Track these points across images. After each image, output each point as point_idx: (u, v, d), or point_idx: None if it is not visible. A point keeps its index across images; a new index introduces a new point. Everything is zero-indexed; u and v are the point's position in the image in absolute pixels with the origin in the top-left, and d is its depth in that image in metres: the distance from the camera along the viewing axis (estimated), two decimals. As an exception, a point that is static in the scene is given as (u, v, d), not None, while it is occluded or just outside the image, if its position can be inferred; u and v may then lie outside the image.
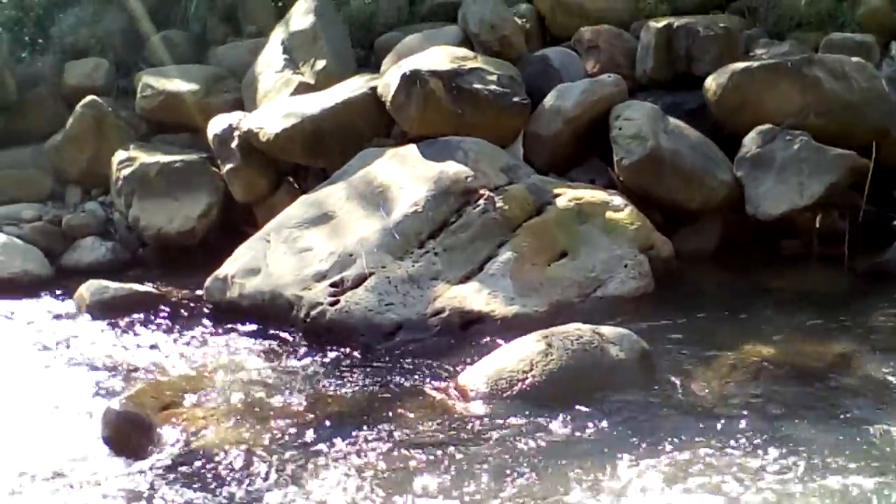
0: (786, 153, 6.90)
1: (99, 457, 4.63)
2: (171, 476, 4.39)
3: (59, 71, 9.39)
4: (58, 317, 6.84)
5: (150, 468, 4.47)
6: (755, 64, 7.34)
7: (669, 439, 4.46)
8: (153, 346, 6.15)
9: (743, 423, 4.60)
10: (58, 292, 7.34)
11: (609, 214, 6.64)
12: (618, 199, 6.74)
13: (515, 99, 7.43)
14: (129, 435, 4.74)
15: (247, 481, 4.30)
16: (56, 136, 8.93)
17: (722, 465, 4.22)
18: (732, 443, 4.40)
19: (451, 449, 4.50)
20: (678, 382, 5.12)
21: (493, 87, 7.39)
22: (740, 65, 7.32)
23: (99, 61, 9.32)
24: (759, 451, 4.30)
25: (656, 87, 7.77)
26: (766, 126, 7.06)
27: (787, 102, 7.14)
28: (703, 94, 7.39)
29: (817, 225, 6.93)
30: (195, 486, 4.29)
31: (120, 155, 8.45)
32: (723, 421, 4.64)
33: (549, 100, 7.49)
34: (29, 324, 6.73)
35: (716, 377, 5.19)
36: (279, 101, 8.11)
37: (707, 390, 5.03)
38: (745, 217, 6.98)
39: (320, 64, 8.33)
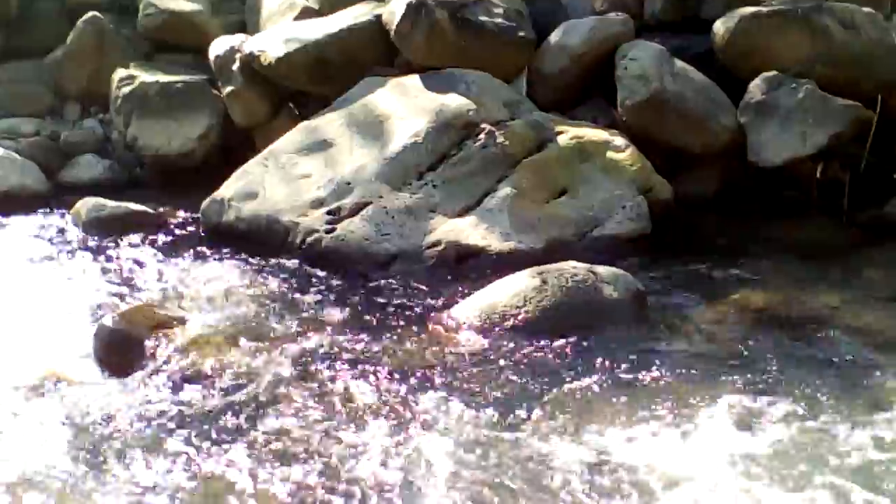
0: (790, 101, 6.84)
1: (89, 372, 4.66)
2: (159, 394, 4.43)
3: (61, -15, 9.28)
4: (54, 233, 6.84)
5: (140, 385, 4.51)
6: (764, 9, 7.23)
7: (656, 379, 4.50)
8: (147, 266, 6.16)
9: (731, 367, 4.63)
10: (54, 208, 7.32)
11: (610, 154, 6.60)
12: (619, 140, 6.69)
13: (521, 34, 7.36)
14: (119, 352, 4.78)
15: (234, 404, 4.32)
16: (56, 51, 8.85)
17: (705, 406, 4.24)
18: (719, 385, 4.43)
19: (441, 378, 4.54)
20: (670, 325, 5.15)
21: (499, 20, 7.31)
22: (749, 10, 7.21)
23: (102, -23, 9.21)
24: (747, 395, 4.32)
25: (664, 28, 7.66)
26: (772, 73, 6.99)
27: (794, 50, 7.05)
28: (711, 38, 7.29)
29: (818, 175, 6.89)
30: (182, 404, 4.33)
31: (120, 73, 8.36)
32: (711, 364, 4.67)
33: (554, 36, 7.41)
34: (25, 239, 6.72)
35: (708, 321, 5.21)
36: (283, 25, 8.02)
37: (698, 333, 5.05)
38: (747, 164, 6.93)
39: (326, -11, 8.23)
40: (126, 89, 8.23)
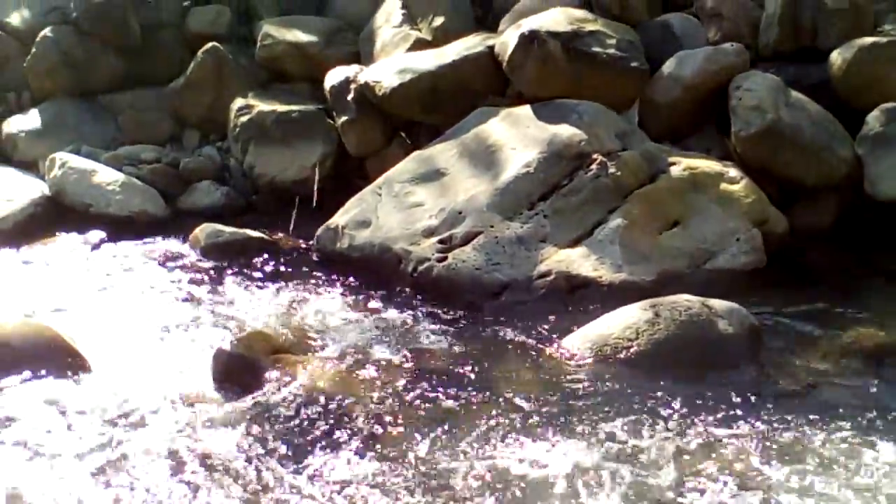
0: (910, 133, 6.71)
1: (208, 395, 4.78)
2: (275, 418, 4.52)
3: (182, 17, 9.55)
4: (173, 257, 7.01)
5: (257, 410, 4.59)
6: (883, 40, 7.10)
7: (774, 418, 4.43)
8: (264, 291, 6.29)
9: (849, 408, 4.54)
10: (173, 233, 7.49)
11: (724, 186, 6.54)
12: (733, 171, 6.63)
13: (634, 64, 7.34)
14: (238, 376, 4.90)
15: (347, 431, 4.39)
16: (177, 80, 9.10)
17: (823, 447, 4.18)
18: (837, 426, 4.35)
19: (551, 410, 4.55)
20: (786, 361, 5.07)
21: (611, 50, 7.31)
22: (868, 40, 7.09)
23: (221, 9, 9.44)
24: (865, 437, 4.24)
25: (779, 58, 7.55)
26: (891, 104, 6.84)
27: (915, 81, 6.93)
28: (828, 69, 7.19)
29: (938, 209, 6.74)
30: (297, 429, 4.42)
31: (238, 102, 8.58)
32: (828, 404, 4.59)
33: (668, 66, 7.37)
34: (146, 263, 6.91)
35: (825, 359, 5.12)
36: (396, 56, 8.13)
37: (815, 371, 4.97)
38: (864, 196, 6.80)
39: (438, 21, 8.32)
40: (244, 118, 8.43)
